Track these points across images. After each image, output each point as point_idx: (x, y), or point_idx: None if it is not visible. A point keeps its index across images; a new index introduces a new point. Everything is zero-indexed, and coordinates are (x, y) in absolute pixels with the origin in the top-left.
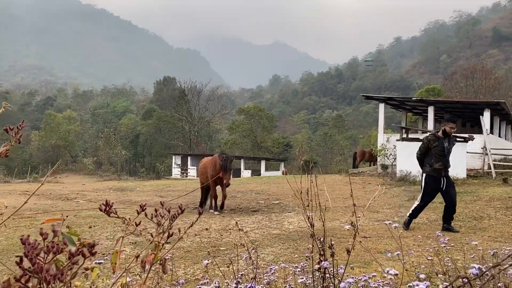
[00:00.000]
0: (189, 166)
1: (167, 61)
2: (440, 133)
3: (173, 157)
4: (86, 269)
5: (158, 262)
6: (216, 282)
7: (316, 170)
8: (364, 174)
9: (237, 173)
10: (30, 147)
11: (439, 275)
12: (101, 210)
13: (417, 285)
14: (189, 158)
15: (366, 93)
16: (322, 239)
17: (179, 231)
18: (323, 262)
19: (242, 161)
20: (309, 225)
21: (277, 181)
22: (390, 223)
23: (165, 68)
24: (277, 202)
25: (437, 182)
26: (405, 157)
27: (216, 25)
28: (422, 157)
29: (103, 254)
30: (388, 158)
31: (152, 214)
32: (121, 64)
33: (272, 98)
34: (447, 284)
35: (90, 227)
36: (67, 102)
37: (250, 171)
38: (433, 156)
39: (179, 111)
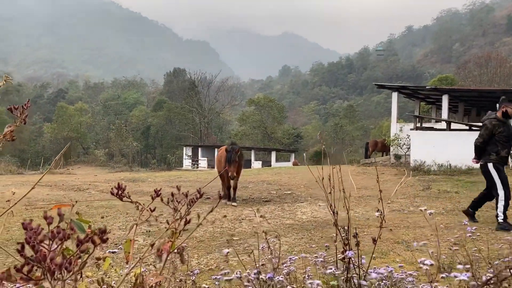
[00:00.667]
0: (199, 157)
1: (176, 52)
2: (500, 116)
3: (184, 148)
4: (98, 258)
5: (176, 250)
6: (237, 273)
7: (329, 160)
8: (377, 164)
9: (248, 164)
10: (42, 139)
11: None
12: (112, 193)
13: (457, 277)
14: (199, 149)
15: (377, 83)
16: (346, 228)
17: (198, 216)
18: (347, 252)
19: (252, 152)
20: (331, 213)
21: (288, 171)
22: (424, 209)
23: (175, 59)
24: (289, 192)
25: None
26: (419, 146)
27: (226, 16)
28: (483, 144)
29: (116, 244)
30: (401, 148)
31: (168, 199)
32: (131, 56)
33: (282, 89)
34: (490, 275)
35: (103, 217)
36: (79, 94)
37: (260, 162)
38: (498, 142)
39: (189, 102)
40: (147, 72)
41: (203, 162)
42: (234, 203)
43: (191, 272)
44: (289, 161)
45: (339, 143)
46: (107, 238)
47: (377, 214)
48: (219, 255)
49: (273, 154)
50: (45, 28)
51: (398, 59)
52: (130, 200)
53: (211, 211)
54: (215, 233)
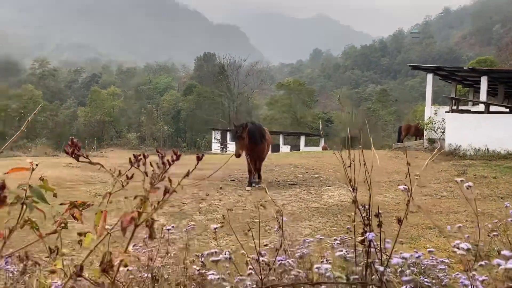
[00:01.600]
0: (228, 141)
1: (207, 37)
2: None
3: (213, 132)
4: (80, 234)
5: (145, 223)
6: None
7: (358, 145)
8: (410, 149)
9: (276, 148)
10: (77, 122)
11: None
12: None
13: (500, 265)
14: (228, 133)
15: (411, 64)
16: (367, 206)
17: (170, 181)
18: (367, 234)
19: (281, 137)
20: (350, 189)
21: (316, 155)
22: (461, 181)
23: (206, 44)
24: (316, 176)
25: None
26: (455, 130)
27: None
28: None
29: (142, 224)
30: (435, 132)
31: (132, 160)
32: (163, 41)
33: (313, 72)
34: None
35: (126, 198)
36: (112, 79)
37: (289, 146)
38: None
39: (218, 86)
40: (178, 57)
41: (231, 146)
42: (248, 187)
43: (201, 254)
44: (318, 145)
45: (371, 128)
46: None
47: (401, 187)
48: (239, 237)
49: (302, 139)
50: (80, 14)
51: (434, 42)
52: (88, 160)
53: (187, 174)
54: (237, 215)
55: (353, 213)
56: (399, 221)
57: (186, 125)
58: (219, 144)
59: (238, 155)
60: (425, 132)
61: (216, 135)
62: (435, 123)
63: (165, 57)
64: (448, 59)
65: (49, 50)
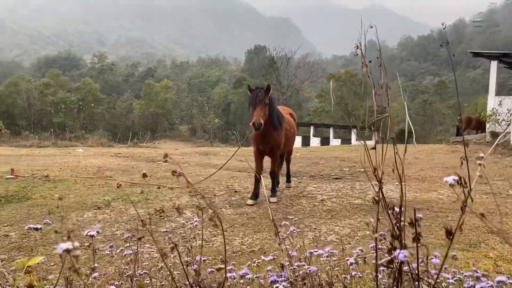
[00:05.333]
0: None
1: (259, 30)
2: None
3: None
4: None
5: None
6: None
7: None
8: (470, 143)
9: (326, 142)
10: (132, 114)
11: None
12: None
13: None
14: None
15: (473, 51)
16: (397, 210)
17: None
18: (397, 252)
19: (331, 130)
20: (373, 186)
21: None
22: None
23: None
24: (363, 170)
25: None
26: None
27: None
28: None
29: (167, 216)
30: (499, 125)
31: None
32: (215, 35)
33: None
34: None
35: (159, 188)
36: (166, 72)
37: (339, 140)
38: None
39: (268, 79)
40: (230, 50)
41: None
42: (273, 198)
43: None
44: (371, 139)
45: (428, 122)
46: None
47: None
48: (268, 235)
49: (353, 132)
50: (137, 10)
51: (499, 31)
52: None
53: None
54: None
55: (373, 220)
56: (449, 233)
57: (236, 118)
58: None
59: (259, 124)
60: (487, 125)
61: None
62: (499, 115)
63: (217, 51)
64: None
65: (109, 45)
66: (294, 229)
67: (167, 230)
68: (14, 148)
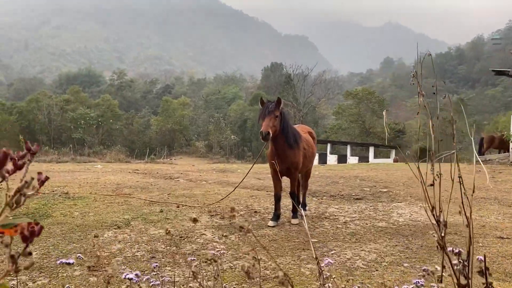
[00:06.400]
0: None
1: (275, 48)
2: None
3: None
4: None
5: None
6: None
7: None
8: (493, 162)
9: (343, 159)
10: (150, 131)
11: None
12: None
13: None
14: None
15: (495, 69)
16: (459, 251)
17: None
18: None
19: (348, 147)
20: (430, 218)
21: (386, 168)
22: None
23: (274, 55)
24: (385, 190)
25: None
26: None
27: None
28: None
29: (187, 237)
30: None
31: None
32: (233, 52)
33: (384, 82)
34: None
35: (178, 207)
36: (184, 89)
37: (357, 157)
38: None
39: (284, 96)
40: (246, 67)
41: None
42: (294, 220)
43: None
44: (389, 157)
45: (447, 140)
46: None
47: None
48: (291, 259)
49: (371, 150)
50: (155, 28)
51: None
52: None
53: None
54: (292, 231)
55: (439, 269)
56: (482, 273)
57: (252, 135)
58: None
59: (266, 132)
60: (511, 144)
61: None
62: None
63: (234, 68)
64: None
65: (128, 62)
66: (329, 262)
67: (188, 252)
68: (34, 163)
